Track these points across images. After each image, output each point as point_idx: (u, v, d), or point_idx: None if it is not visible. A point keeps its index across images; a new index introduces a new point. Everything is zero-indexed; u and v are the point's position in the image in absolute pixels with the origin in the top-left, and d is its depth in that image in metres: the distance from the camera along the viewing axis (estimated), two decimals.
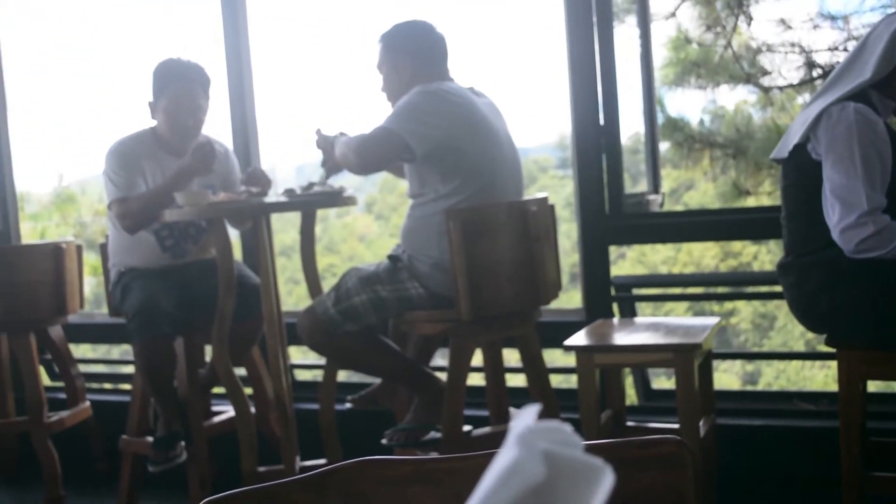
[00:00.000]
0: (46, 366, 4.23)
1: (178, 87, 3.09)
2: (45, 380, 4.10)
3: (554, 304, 2.95)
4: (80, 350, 4.19)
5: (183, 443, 3.08)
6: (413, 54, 2.83)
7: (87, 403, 3.82)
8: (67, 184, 7.82)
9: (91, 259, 6.27)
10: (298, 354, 4.33)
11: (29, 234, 7.51)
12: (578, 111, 3.25)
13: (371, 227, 18.11)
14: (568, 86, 3.29)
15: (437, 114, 2.66)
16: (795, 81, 4.45)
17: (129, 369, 4.71)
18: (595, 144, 3.25)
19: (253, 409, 3.13)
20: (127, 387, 4.44)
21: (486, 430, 2.94)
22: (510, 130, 2.88)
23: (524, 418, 0.46)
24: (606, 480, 0.47)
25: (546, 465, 0.43)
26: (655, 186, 3.58)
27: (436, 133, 2.64)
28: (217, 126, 3.36)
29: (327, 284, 3.09)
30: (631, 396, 3.42)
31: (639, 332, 2.73)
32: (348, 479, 1.03)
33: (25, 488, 3.89)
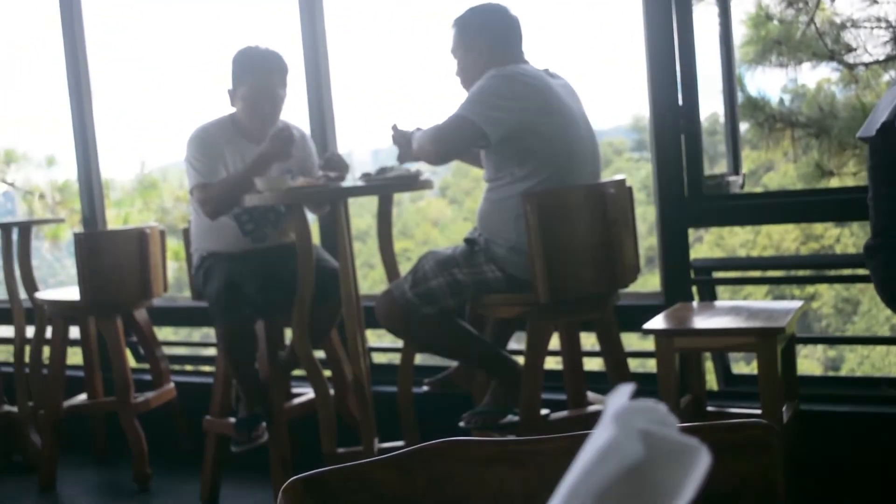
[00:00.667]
0: (132, 348, 4.35)
1: (256, 75, 3.14)
2: (131, 361, 4.22)
3: (630, 288, 2.92)
4: (162, 333, 4.30)
5: (264, 424, 3.15)
6: (487, 38, 2.83)
7: (172, 384, 3.92)
8: (149, 170, 8.01)
9: (172, 244, 6.42)
10: (374, 338, 4.37)
11: (113, 220, 7.72)
12: (656, 92, 3.20)
13: (445, 212, 18.15)
14: (645, 66, 3.24)
15: (511, 97, 2.65)
16: (882, 58, 4.31)
17: (210, 352, 4.82)
18: (674, 125, 3.19)
19: (332, 392, 3.17)
20: (207, 368, 4.55)
21: (563, 413, 2.93)
22: (587, 112, 2.86)
23: (619, 397, 0.46)
24: (703, 461, 0.46)
25: (643, 444, 0.43)
26: (736, 168, 3.51)
27: (510, 116, 2.64)
28: (294, 111, 3.41)
29: (402, 269, 3.11)
30: (710, 382, 3.37)
31: (720, 315, 2.69)
32: (433, 460, 1.03)
33: (114, 466, 4.02)
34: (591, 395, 3.04)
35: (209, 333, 6.10)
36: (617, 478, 0.42)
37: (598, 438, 0.44)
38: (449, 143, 2.69)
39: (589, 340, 3.35)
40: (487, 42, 2.82)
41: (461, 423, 2.83)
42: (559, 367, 3.23)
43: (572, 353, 3.00)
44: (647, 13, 3.21)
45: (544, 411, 2.77)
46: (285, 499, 0.97)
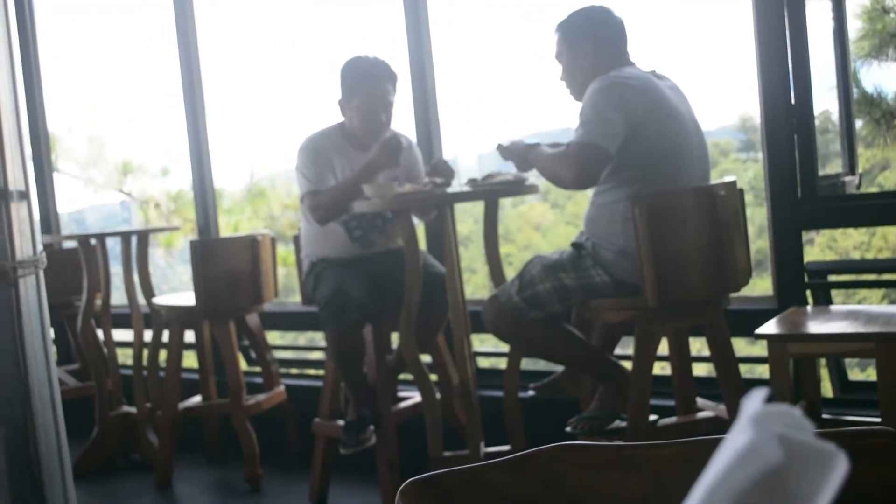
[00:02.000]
0: (244, 352, 4.47)
1: (369, 85, 3.19)
2: (243, 365, 4.33)
3: (740, 292, 2.85)
4: (269, 337, 4.41)
5: (372, 427, 3.19)
6: (591, 42, 2.81)
7: (282, 387, 4.02)
8: (258, 180, 8.22)
9: (280, 250, 6.57)
10: (477, 342, 4.39)
11: (224, 227, 7.95)
12: (767, 90, 3.13)
13: (547, 216, 18.01)
14: (755, 63, 3.17)
15: (617, 105, 2.61)
16: None
17: (315, 355, 4.92)
18: (786, 124, 3.11)
19: (438, 395, 3.19)
20: (312, 372, 4.65)
21: (672, 419, 2.89)
22: (695, 113, 2.81)
23: (755, 401, 0.45)
24: (840, 466, 0.45)
25: (781, 448, 0.43)
26: (851, 167, 3.39)
27: (619, 128, 2.61)
28: (400, 118, 3.45)
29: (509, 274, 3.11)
30: (824, 389, 3.26)
31: (836, 320, 2.60)
32: (547, 463, 1.03)
33: (227, 466, 4.14)
34: (700, 401, 2.99)
35: (314, 337, 6.22)
36: (755, 481, 0.42)
37: (736, 441, 0.43)
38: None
39: (695, 345, 3.29)
40: (591, 46, 2.80)
41: (567, 429, 2.82)
42: (666, 372, 3.18)
43: (681, 358, 2.95)
44: (757, 8, 3.13)
45: (652, 417, 2.73)
46: (403, 500, 0.99)
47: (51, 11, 5.59)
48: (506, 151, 2.94)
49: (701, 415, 2.92)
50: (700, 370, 3.66)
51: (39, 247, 2.90)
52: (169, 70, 4.76)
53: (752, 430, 0.42)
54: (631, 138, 2.63)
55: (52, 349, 2.92)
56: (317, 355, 4.97)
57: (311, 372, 4.72)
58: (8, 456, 2.79)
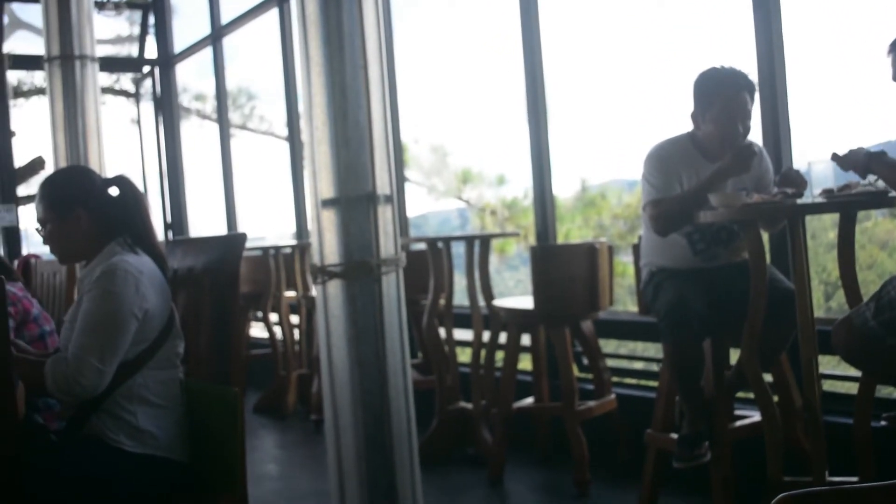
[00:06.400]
0: (576, 357, 4.54)
1: (729, 95, 3.11)
2: (574, 370, 4.40)
3: None
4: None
5: (707, 443, 3.12)
6: None
7: (613, 395, 4.04)
8: (588, 188, 8.28)
9: None
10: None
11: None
12: None
13: (894, 234, 16.57)
14: None
15: None
16: None
17: (637, 365, 4.88)
18: None
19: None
20: (632, 381, 4.62)
21: None
22: None
23: None
24: None
25: None
26: None
27: None
28: None
29: (842, 294, 2.91)
30: None
31: None
32: None
33: (555, 468, 4.23)
34: None
35: (635, 348, 6.17)
36: None
37: None
38: None
39: None
40: None
41: None
42: None
43: None
44: None
45: None
46: None
47: (400, 30, 6.03)
48: (843, 161, 2.77)
49: None
50: None
51: (399, 247, 3.14)
52: (511, 81, 4.95)
53: None
54: None
55: (407, 342, 3.16)
56: (639, 365, 4.94)
57: (632, 381, 4.68)
58: (366, 439, 3.05)
